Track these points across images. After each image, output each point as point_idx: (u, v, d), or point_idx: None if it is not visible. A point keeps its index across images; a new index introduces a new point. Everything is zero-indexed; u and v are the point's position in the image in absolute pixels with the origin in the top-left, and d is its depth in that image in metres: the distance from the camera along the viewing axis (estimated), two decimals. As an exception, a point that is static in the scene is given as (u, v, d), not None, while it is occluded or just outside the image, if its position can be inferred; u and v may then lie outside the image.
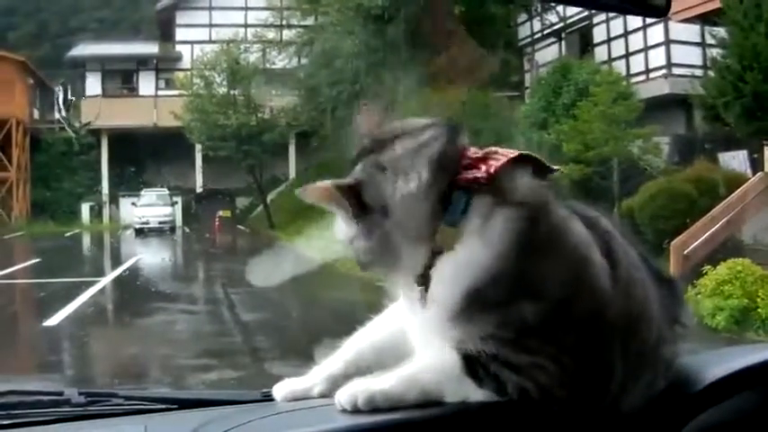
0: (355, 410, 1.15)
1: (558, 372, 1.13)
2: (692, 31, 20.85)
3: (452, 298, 1.12)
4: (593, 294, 1.14)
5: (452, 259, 1.12)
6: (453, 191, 1.12)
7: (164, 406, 1.58)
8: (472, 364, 1.14)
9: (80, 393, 1.61)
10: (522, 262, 1.10)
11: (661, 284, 1.29)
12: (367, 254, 1.17)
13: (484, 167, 1.12)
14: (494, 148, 1.17)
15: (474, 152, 1.16)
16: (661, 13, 1.26)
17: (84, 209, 36.76)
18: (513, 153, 1.15)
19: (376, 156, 1.17)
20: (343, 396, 1.17)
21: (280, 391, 1.32)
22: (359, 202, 1.15)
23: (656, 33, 22.91)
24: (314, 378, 1.30)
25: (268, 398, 1.37)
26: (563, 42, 27.92)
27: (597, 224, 1.23)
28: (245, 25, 33.56)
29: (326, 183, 1.17)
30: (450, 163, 1.13)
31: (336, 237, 1.21)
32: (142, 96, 38.15)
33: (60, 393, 1.63)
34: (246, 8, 35.40)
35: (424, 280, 1.16)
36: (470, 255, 1.11)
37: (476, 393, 1.15)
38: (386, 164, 1.15)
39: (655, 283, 1.27)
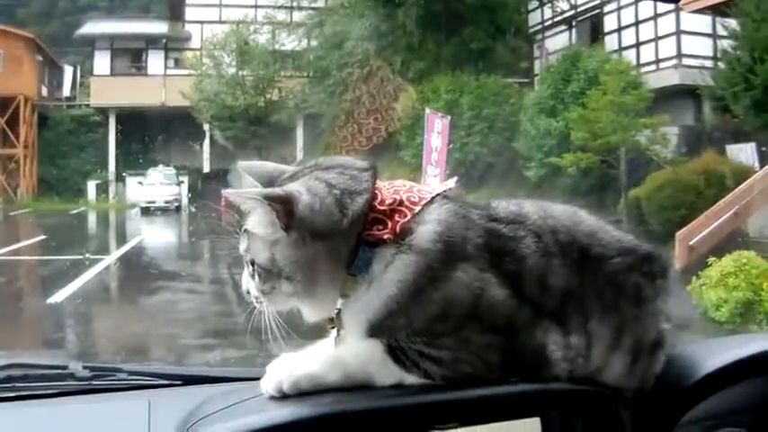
0: (283, 396, 1.18)
1: (484, 365, 1.18)
2: (703, 22, 20.73)
3: (360, 326, 1.21)
4: (496, 309, 1.18)
5: (353, 303, 1.21)
6: (360, 245, 1.19)
7: (167, 382, 1.59)
8: (395, 351, 1.19)
9: (84, 367, 1.62)
10: (416, 301, 1.16)
11: (641, 267, 1.29)
12: (288, 263, 1.20)
13: (390, 224, 1.19)
14: (401, 194, 1.22)
15: (382, 203, 1.21)
16: None
17: (91, 187, 36.73)
18: (417, 205, 1.21)
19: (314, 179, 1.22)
20: (269, 383, 1.20)
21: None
22: (289, 214, 1.18)
23: (667, 23, 22.77)
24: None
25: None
26: (573, 30, 27.76)
27: (523, 222, 1.25)
28: (256, 6, 33.41)
29: (255, 191, 1.19)
30: (362, 220, 1.19)
31: (253, 229, 1.21)
32: (151, 75, 37.99)
33: (65, 367, 1.63)
34: (257, -11, 35.27)
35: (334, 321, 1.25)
36: (369, 299, 1.19)
37: (406, 377, 1.19)
38: (318, 197, 1.19)
39: (630, 265, 1.28)
